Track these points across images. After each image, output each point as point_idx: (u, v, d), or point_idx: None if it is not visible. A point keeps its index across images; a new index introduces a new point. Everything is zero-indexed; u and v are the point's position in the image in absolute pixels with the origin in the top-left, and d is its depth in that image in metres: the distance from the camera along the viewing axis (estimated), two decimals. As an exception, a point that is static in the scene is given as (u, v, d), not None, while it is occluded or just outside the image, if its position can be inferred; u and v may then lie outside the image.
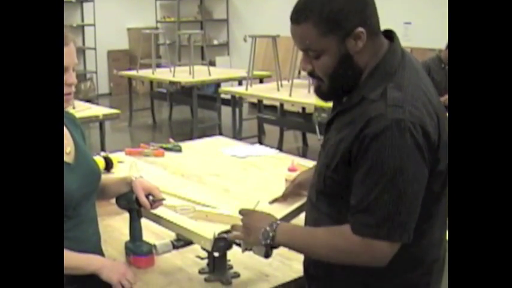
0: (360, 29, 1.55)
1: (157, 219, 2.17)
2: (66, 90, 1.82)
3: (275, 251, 1.94)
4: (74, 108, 1.93)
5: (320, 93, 1.69)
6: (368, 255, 1.55)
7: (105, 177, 2.19)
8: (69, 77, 1.82)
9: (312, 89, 6.33)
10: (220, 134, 7.40)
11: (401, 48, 1.64)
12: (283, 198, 2.15)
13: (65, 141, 1.94)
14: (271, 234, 1.68)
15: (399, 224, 1.51)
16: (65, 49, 1.78)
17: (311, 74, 1.65)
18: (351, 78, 1.62)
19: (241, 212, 1.83)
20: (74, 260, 1.85)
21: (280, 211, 2.06)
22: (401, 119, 1.47)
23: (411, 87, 1.55)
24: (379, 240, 1.52)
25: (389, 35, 1.67)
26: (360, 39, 1.56)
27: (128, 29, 12.24)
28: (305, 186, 2.05)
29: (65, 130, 1.97)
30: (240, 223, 1.79)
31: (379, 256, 1.55)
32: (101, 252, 2.05)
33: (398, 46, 1.64)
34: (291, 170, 2.54)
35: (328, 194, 1.68)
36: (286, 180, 2.44)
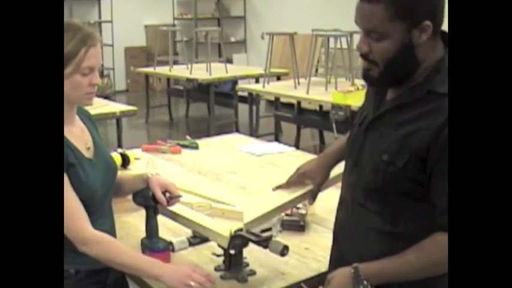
0: (428, 22, 1.55)
1: (174, 216, 2.17)
2: (89, 89, 1.85)
3: (291, 249, 1.94)
4: (91, 105, 1.95)
5: (369, 77, 1.66)
6: None
7: (121, 173, 2.19)
8: (95, 78, 1.85)
9: (329, 87, 6.35)
10: (237, 131, 7.41)
11: None
12: (287, 185, 2.12)
13: (85, 138, 1.95)
14: (367, 285, 1.63)
15: None
16: (93, 50, 1.81)
17: (365, 56, 1.63)
18: (406, 69, 1.60)
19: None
20: (136, 261, 1.85)
21: (282, 197, 2.06)
22: None
23: None
24: None
25: (445, 36, 1.65)
26: (425, 32, 1.56)
27: (145, 26, 12.28)
28: (309, 175, 2.04)
29: (83, 126, 1.98)
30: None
31: None
32: None
33: None
34: None
35: (384, 192, 1.65)
36: (287, 181, 2.40)
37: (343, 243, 1.81)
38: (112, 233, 2.04)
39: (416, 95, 1.59)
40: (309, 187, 2.03)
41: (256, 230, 1.96)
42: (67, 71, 1.79)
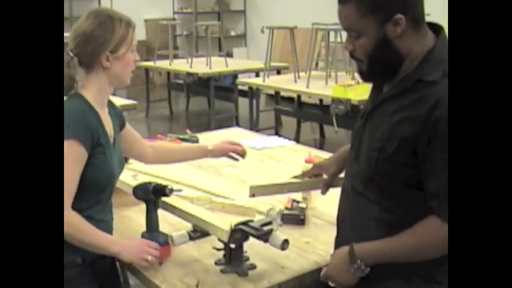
0: (399, 16, 1.60)
1: (174, 210, 2.17)
2: (133, 66, 2.09)
3: (291, 243, 1.95)
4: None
5: (360, 73, 1.76)
6: None
7: (177, 145, 2.75)
8: (136, 55, 2.08)
9: (329, 81, 6.34)
10: (237, 125, 7.41)
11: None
12: (301, 176, 2.24)
13: (110, 125, 2.09)
14: (361, 265, 1.71)
15: None
16: (135, 30, 2.05)
17: (351, 54, 1.72)
18: (389, 62, 1.67)
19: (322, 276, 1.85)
20: (97, 238, 1.95)
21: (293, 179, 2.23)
22: None
23: None
24: None
25: (436, 28, 1.71)
26: (399, 25, 1.62)
27: (145, 20, 12.26)
28: (324, 168, 2.18)
29: (107, 115, 2.10)
30: (255, 214, 1.80)
31: None
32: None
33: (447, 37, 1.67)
34: (308, 161, 2.54)
35: (379, 179, 1.70)
36: (303, 171, 2.43)
37: (345, 231, 1.87)
38: (110, 225, 2.13)
39: (407, 84, 1.65)
40: (323, 178, 2.17)
41: (257, 224, 1.96)
42: (121, 52, 2.00)
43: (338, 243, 1.89)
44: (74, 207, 1.89)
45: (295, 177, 2.24)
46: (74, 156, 1.88)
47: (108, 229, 2.08)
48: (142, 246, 1.99)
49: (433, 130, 1.55)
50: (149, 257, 1.97)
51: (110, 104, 2.18)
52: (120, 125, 2.22)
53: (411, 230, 1.66)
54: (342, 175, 2.08)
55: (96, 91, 2.03)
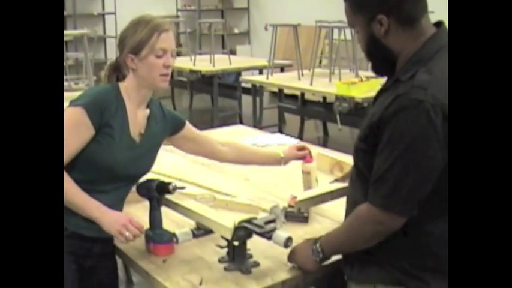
0: (381, 16, 1.67)
1: (178, 208, 2.17)
2: (164, 71, 2.10)
3: (295, 240, 1.95)
4: (165, 87, 2.16)
5: (371, 67, 1.86)
6: (376, 223, 1.68)
7: (253, 148, 2.74)
8: (167, 60, 2.10)
9: (332, 78, 6.34)
10: (241, 122, 7.41)
11: (446, 40, 1.67)
12: (342, 179, 2.32)
13: (142, 125, 2.17)
14: (319, 248, 1.86)
15: (404, 197, 1.62)
16: (165, 34, 2.08)
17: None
18: (383, 57, 1.75)
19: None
20: (77, 197, 1.99)
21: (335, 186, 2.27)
22: (421, 100, 1.57)
23: (441, 73, 1.60)
24: (386, 211, 1.65)
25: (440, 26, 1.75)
26: (382, 25, 1.68)
27: (149, 18, 12.24)
28: None
29: (148, 115, 2.19)
30: (258, 212, 1.82)
31: (388, 227, 1.67)
32: None
33: (444, 36, 1.69)
34: (307, 161, 2.52)
35: (360, 168, 1.79)
36: (303, 172, 2.43)
37: (345, 218, 1.92)
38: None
39: (389, 83, 1.73)
40: None
41: (260, 222, 1.96)
42: (143, 54, 2.06)
43: None
44: (70, 175, 1.98)
45: (336, 180, 2.30)
46: (76, 123, 1.98)
47: None
48: (123, 221, 2.00)
49: (383, 122, 1.63)
50: (127, 233, 1.98)
51: (161, 109, 2.28)
52: (172, 130, 2.32)
53: (347, 219, 1.82)
54: None
55: (130, 88, 2.13)
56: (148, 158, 2.22)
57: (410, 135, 1.57)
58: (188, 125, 2.40)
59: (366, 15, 1.70)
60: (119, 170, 2.09)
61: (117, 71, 2.19)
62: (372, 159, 1.69)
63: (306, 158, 2.48)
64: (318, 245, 1.86)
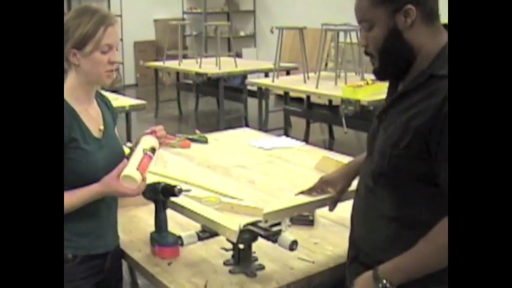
0: (410, 6, 1.62)
1: (183, 210, 2.17)
2: (109, 67, 1.98)
3: (300, 243, 1.94)
4: (108, 84, 2.06)
5: (374, 71, 1.77)
6: None
7: None
8: (113, 55, 1.98)
9: (338, 82, 6.34)
10: (247, 125, 7.41)
11: None
12: (308, 192, 2.17)
13: (99, 120, 2.07)
14: (387, 283, 1.64)
15: None
16: (111, 29, 1.96)
17: (365, 49, 1.74)
18: (400, 55, 1.68)
19: None
20: (77, 198, 1.91)
21: (303, 198, 2.13)
22: None
23: None
24: None
25: None
26: (409, 16, 1.63)
27: (155, 20, 12.27)
28: (331, 183, 2.12)
29: (98, 109, 2.09)
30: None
31: None
32: (115, 236, 2.16)
33: None
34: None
35: (391, 175, 1.69)
36: (309, 187, 2.37)
37: (356, 228, 1.86)
38: (113, 221, 2.13)
39: (420, 80, 1.65)
40: (330, 194, 2.12)
41: (266, 224, 1.96)
42: (87, 49, 1.93)
43: (351, 241, 1.89)
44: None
45: (302, 192, 2.17)
46: None
47: (103, 225, 2.06)
48: (114, 184, 1.92)
49: (443, 123, 1.53)
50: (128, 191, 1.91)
51: (101, 97, 2.18)
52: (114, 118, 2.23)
53: (427, 236, 1.60)
54: (350, 188, 2.07)
55: (72, 87, 1.99)
56: (118, 146, 2.15)
57: None
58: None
59: (392, 5, 1.64)
60: (103, 171, 1.97)
61: None
62: (416, 166, 1.62)
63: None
64: (384, 281, 1.64)
